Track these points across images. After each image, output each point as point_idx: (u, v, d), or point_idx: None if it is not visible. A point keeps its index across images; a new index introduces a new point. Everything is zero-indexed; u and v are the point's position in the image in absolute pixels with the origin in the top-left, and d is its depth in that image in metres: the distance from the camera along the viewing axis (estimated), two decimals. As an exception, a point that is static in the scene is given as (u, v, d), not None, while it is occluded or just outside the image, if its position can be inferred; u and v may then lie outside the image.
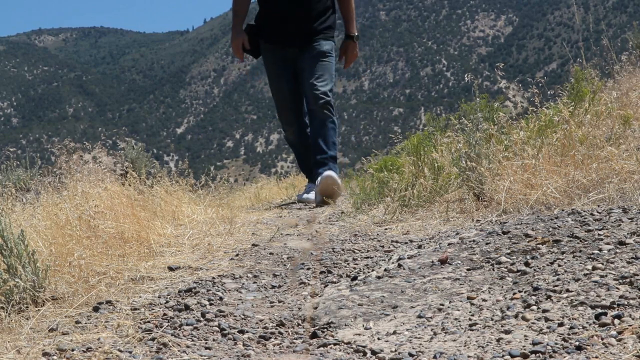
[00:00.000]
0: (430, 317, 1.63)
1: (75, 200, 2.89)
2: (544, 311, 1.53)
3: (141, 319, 1.77)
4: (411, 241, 2.61)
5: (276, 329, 1.72)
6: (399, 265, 2.08)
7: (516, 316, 1.54)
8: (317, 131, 4.60)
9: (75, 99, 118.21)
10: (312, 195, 4.65)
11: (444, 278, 1.89)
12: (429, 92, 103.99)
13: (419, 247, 2.40)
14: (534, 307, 1.57)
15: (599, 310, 1.47)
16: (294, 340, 1.65)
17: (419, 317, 1.65)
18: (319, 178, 4.38)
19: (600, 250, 1.85)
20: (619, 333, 1.36)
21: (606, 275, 1.66)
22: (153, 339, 1.58)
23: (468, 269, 1.94)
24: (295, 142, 4.99)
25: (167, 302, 1.94)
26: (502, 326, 1.50)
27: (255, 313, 1.85)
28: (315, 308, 1.85)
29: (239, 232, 3.30)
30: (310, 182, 4.87)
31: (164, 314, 1.80)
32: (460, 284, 1.83)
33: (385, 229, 3.06)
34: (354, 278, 2.08)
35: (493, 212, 2.81)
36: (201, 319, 1.76)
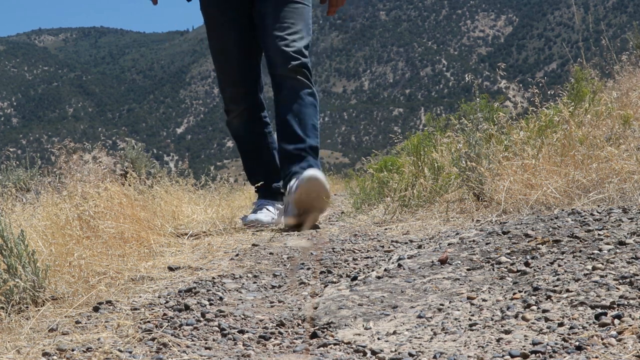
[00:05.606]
0: (430, 317, 1.63)
1: (75, 200, 2.90)
2: (544, 311, 1.53)
3: (141, 319, 1.77)
4: (411, 241, 2.61)
5: (276, 329, 1.72)
6: (399, 265, 2.08)
7: (516, 316, 1.54)
8: (288, 107, 3.00)
9: (75, 99, 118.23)
10: (263, 215, 3.22)
11: (444, 278, 1.89)
12: (429, 92, 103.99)
13: (419, 247, 2.40)
14: (534, 307, 1.56)
15: (599, 310, 1.47)
16: (294, 340, 1.65)
17: (419, 317, 1.65)
18: (295, 181, 2.93)
19: (600, 250, 1.85)
20: (619, 333, 1.36)
21: (606, 275, 1.66)
22: (153, 339, 1.58)
23: (468, 269, 1.94)
24: (241, 132, 3.26)
25: (167, 302, 1.94)
26: (502, 326, 1.50)
27: (255, 313, 1.85)
28: (315, 308, 1.85)
29: (239, 232, 3.30)
30: (261, 196, 3.30)
31: (164, 314, 1.80)
32: (460, 284, 1.83)
33: (385, 229, 3.06)
34: (354, 278, 2.08)
35: (493, 212, 2.81)
36: (201, 319, 1.76)
